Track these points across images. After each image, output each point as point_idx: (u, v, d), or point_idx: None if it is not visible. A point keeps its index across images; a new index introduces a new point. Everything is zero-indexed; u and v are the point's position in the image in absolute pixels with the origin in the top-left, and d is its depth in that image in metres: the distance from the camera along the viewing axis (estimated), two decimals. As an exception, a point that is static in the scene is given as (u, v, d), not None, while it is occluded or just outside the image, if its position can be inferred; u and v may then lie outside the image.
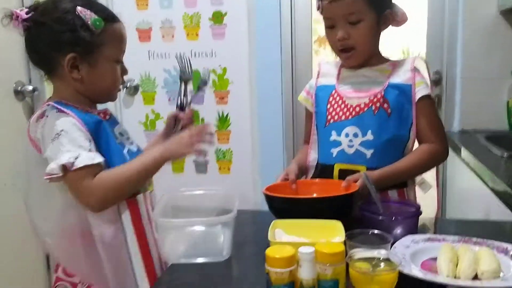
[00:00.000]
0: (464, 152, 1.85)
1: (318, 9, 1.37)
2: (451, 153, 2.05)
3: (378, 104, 1.31)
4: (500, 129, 2.12)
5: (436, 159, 1.36)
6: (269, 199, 1.17)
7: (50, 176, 1.06)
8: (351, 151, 1.33)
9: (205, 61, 2.38)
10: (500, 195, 1.41)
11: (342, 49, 1.35)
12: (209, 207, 1.21)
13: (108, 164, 1.12)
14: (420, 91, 1.32)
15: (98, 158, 1.09)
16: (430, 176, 1.41)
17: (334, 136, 1.36)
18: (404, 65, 1.36)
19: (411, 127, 1.33)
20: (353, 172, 1.28)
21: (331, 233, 1.04)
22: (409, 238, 1.05)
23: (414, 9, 2.33)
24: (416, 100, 1.32)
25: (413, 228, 1.11)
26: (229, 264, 1.03)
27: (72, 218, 1.15)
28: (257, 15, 2.31)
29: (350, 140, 1.33)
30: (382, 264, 0.90)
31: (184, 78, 1.45)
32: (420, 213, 1.13)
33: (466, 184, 1.87)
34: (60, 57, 1.13)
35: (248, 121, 2.40)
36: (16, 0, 2.02)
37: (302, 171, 1.42)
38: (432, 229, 1.26)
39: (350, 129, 1.33)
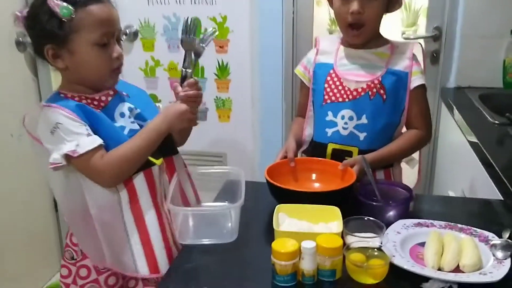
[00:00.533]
0: (457, 114, 1.92)
1: None
2: (445, 109, 2.14)
3: (375, 90, 1.37)
4: (495, 87, 2.17)
5: (422, 144, 1.46)
6: (272, 187, 1.24)
7: (54, 165, 1.12)
8: (345, 132, 1.40)
9: (205, 8, 2.35)
10: (485, 164, 1.49)
11: (351, 24, 1.36)
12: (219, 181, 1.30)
13: (106, 147, 1.16)
14: (416, 80, 1.38)
15: (98, 140, 1.14)
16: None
17: (330, 116, 1.42)
18: (403, 52, 1.40)
19: (403, 112, 1.40)
20: (346, 152, 1.37)
21: (330, 218, 1.14)
22: (400, 223, 1.15)
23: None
24: (411, 88, 1.37)
25: (406, 211, 1.21)
26: (237, 246, 1.13)
27: (72, 202, 1.23)
28: (259, -37, 2.26)
29: (345, 123, 1.40)
30: (375, 253, 1.01)
31: (185, 45, 1.30)
32: (412, 198, 1.22)
33: (456, 142, 1.95)
34: (44, 50, 1.17)
35: (248, 71, 2.41)
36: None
37: (300, 145, 1.49)
38: (422, 208, 1.34)
39: (346, 112, 1.40)
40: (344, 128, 1.40)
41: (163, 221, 1.22)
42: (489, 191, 1.40)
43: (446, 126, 2.19)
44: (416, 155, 1.50)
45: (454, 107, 1.97)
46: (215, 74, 2.45)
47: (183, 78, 1.27)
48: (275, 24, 2.32)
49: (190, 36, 1.28)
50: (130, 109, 1.26)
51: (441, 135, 2.27)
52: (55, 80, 2.21)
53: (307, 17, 2.33)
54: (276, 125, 2.47)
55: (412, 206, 1.24)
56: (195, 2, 2.36)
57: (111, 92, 1.25)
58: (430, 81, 2.24)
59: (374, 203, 1.19)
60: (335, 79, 1.42)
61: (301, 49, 2.32)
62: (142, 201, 1.20)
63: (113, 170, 1.15)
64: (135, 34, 2.46)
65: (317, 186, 1.36)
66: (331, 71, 1.43)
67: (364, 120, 1.39)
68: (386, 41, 1.43)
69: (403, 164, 1.50)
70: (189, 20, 1.28)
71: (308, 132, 1.51)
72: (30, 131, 1.20)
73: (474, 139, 1.63)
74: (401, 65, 1.38)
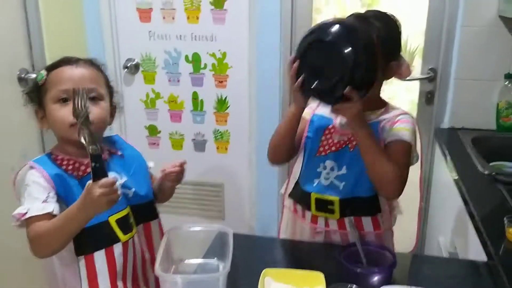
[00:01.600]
0: (448, 159, 1.95)
1: None
2: (438, 150, 2.17)
3: (354, 143, 1.41)
4: (489, 129, 2.21)
5: (390, 181, 1.34)
6: None
7: (15, 223, 1.19)
8: (326, 182, 1.45)
9: (205, 45, 2.41)
10: (472, 219, 1.51)
11: None
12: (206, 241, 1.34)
13: None
14: (393, 135, 1.38)
15: (47, 209, 1.16)
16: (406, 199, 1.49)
17: (320, 168, 1.47)
18: (390, 119, 1.42)
19: None
20: (328, 202, 1.43)
21: (314, 283, 1.18)
22: (383, 290, 1.19)
23: (415, 4, 2.33)
24: (388, 141, 1.38)
25: (389, 277, 1.24)
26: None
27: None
28: (257, 1, 2.30)
29: (327, 173, 1.45)
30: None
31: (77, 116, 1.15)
32: (395, 264, 1.25)
33: (446, 186, 1.98)
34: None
35: (246, 105, 2.47)
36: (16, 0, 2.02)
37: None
38: (407, 270, 1.38)
39: (329, 163, 1.45)
40: (325, 179, 1.45)
41: None
42: (473, 241, 1.43)
43: (439, 167, 2.22)
44: (402, 203, 1.53)
45: (446, 151, 2.01)
46: (214, 107, 2.50)
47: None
48: (273, 61, 2.37)
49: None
50: (120, 171, 1.29)
51: (435, 175, 2.30)
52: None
53: (305, 55, 2.37)
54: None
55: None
56: (195, 38, 2.41)
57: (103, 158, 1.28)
58: (424, 121, 2.30)
59: (358, 270, 1.22)
60: (332, 133, 1.47)
61: (298, 87, 2.36)
62: (100, 279, 1.23)
63: (35, 242, 1.17)
64: (136, 67, 2.51)
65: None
66: (331, 126, 1.47)
67: (343, 170, 1.43)
68: (383, 104, 1.46)
69: (401, 222, 1.52)
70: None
71: (295, 173, 1.55)
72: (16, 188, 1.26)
73: (462, 188, 1.66)
74: (386, 121, 1.41)
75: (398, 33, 1.42)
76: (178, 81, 2.50)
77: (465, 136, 2.13)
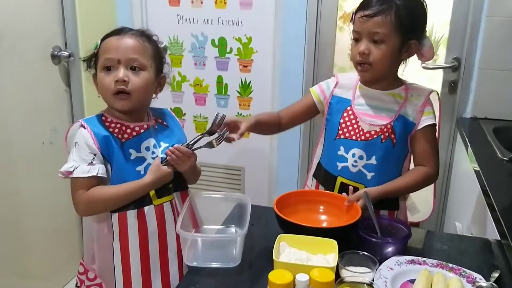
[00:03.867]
0: (469, 146, 1.96)
1: (351, 20, 1.46)
2: (459, 139, 2.18)
3: (386, 134, 1.44)
4: (510, 119, 2.20)
5: (429, 182, 1.50)
6: (278, 218, 1.30)
7: (60, 175, 1.28)
8: (354, 170, 1.48)
9: (231, 29, 2.46)
10: (488, 201, 1.53)
11: (360, 62, 1.43)
12: (225, 209, 1.40)
13: (112, 176, 1.30)
14: (426, 120, 1.44)
15: (93, 172, 1.26)
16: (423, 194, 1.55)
17: (342, 151, 1.49)
18: (415, 103, 1.45)
19: (406, 156, 1.48)
20: (353, 188, 1.44)
21: (328, 250, 1.21)
22: (394, 259, 1.22)
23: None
24: (420, 127, 1.44)
25: (402, 248, 1.27)
26: (239, 271, 1.22)
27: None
28: (284, -13, 2.34)
29: (355, 161, 1.47)
30: (366, 289, 1.09)
31: (211, 131, 1.40)
32: (410, 236, 1.28)
33: (466, 174, 1.99)
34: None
35: (269, 90, 2.51)
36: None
37: (259, 126, 1.53)
38: (421, 244, 1.41)
39: (357, 151, 1.47)
40: (353, 166, 1.48)
41: (148, 261, 1.35)
42: (490, 228, 1.45)
43: (459, 156, 2.23)
44: (418, 204, 1.56)
45: (467, 139, 2.02)
46: (237, 91, 2.55)
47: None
48: (297, 48, 2.41)
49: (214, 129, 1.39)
50: (155, 146, 1.38)
51: (455, 163, 2.31)
52: (87, 91, 2.35)
53: (329, 43, 2.40)
54: (294, 142, 2.56)
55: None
56: (222, 23, 2.46)
57: (145, 126, 1.36)
58: (447, 110, 2.31)
59: (373, 239, 1.25)
60: (351, 116, 1.49)
61: (321, 74, 2.40)
62: (131, 235, 1.33)
63: (87, 206, 1.30)
64: (164, 50, 2.57)
65: (323, 219, 1.43)
66: (348, 108, 1.50)
67: (373, 161, 1.46)
68: (400, 83, 1.49)
69: (418, 193, 1.55)
70: (219, 116, 1.39)
71: (318, 154, 1.59)
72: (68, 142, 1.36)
73: (480, 173, 1.68)
74: (411, 114, 1.45)
75: (422, 12, 1.42)
76: (204, 64, 2.56)
77: (487, 126, 2.13)
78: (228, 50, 2.50)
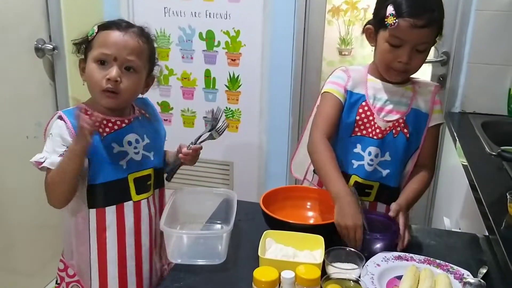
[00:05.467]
0: (457, 140, 1.96)
1: (391, 24, 1.30)
2: (448, 133, 2.18)
3: (399, 129, 1.42)
4: (500, 114, 2.20)
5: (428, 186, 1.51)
6: (267, 216, 1.29)
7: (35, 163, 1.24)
8: (370, 168, 1.44)
9: (219, 22, 2.43)
10: (476, 196, 1.52)
11: (397, 69, 1.37)
12: (211, 204, 1.37)
13: (93, 169, 1.26)
14: (437, 119, 1.45)
15: None
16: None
17: (358, 149, 1.44)
18: (424, 93, 1.45)
19: (416, 150, 1.47)
20: (366, 186, 1.44)
21: (314, 246, 1.20)
22: (381, 255, 1.21)
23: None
24: (430, 126, 1.44)
25: (390, 245, 1.26)
26: (224, 268, 1.20)
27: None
28: (273, -20, 2.32)
29: (371, 159, 1.44)
30: (352, 285, 1.07)
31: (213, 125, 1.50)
32: (397, 234, 1.27)
33: (454, 168, 1.99)
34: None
35: (258, 84, 2.49)
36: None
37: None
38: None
39: (373, 149, 1.43)
40: (369, 164, 1.44)
41: (125, 257, 1.33)
42: (478, 223, 1.44)
43: (448, 151, 2.22)
44: None
45: (455, 133, 2.01)
46: (226, 86, 2.53)
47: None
48: (286, 42, 2.39)
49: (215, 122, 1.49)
50: (137, 141, 1.34)
51: (443, 158, 2.30)
52: (72, 85, 2.31)
53: (318, 36, 2.38)
54: (282, 137, 2.54)
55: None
56: (210, 16, 2.43)
57: (126, 121, 1.33)
58: (435, 104, 2.29)
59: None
60: (368, 113, 1.43)
61: (310, 67, 2.39)
62: (109, 232, 1.31)
63: (50, 194, 1.25)
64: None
65: (310, 215, 1.41)
66: (364, 104, 1.44)
67: (387, 157, 1.44)
68: (409, 78, 1.46)
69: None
70: (215, 110, 1.48)
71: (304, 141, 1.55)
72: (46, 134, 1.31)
73: (468, 168, 1.67)
74: (423, 106, 1.44)
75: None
76: (192, 58, 2.53)
77: (476, 121, 2.13)
78: (216, 43, 2.47)
